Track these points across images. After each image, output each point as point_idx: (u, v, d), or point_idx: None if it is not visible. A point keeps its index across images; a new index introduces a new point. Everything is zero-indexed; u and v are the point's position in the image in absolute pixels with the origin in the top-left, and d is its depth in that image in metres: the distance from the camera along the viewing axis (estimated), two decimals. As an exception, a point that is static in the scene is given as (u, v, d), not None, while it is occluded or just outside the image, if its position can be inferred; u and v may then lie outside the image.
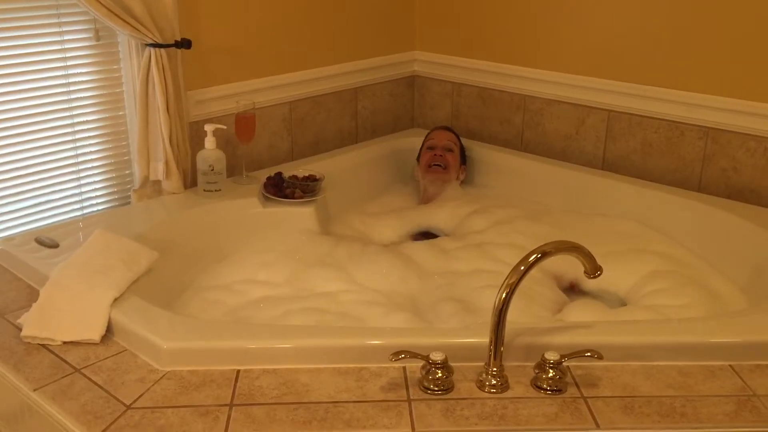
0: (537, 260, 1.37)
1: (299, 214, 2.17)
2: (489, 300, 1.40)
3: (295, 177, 2.26)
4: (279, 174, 2.26)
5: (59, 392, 1.36)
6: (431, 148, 2.50)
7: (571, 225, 2.24)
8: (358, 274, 1.94)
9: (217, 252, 2.04)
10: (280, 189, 2.20)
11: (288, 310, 1.79)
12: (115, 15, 1.93)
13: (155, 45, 2.01)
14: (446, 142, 2.49)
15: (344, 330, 1.62)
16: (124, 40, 2.07)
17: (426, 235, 2.34)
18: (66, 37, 1.99)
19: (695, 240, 2.10)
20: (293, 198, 2.18)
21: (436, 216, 2.39)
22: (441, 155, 2.46)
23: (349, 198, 2.45)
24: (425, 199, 2.49)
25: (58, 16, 1.96)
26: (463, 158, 2.55)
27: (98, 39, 2.03)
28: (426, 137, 2.57)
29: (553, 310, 1.84)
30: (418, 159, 2.57)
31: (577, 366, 1.43)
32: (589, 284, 2.03)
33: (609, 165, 2.44)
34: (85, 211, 2.14)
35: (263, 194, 2.19)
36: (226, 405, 1.33)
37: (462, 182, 2.53)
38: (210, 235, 2.06)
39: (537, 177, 2.50)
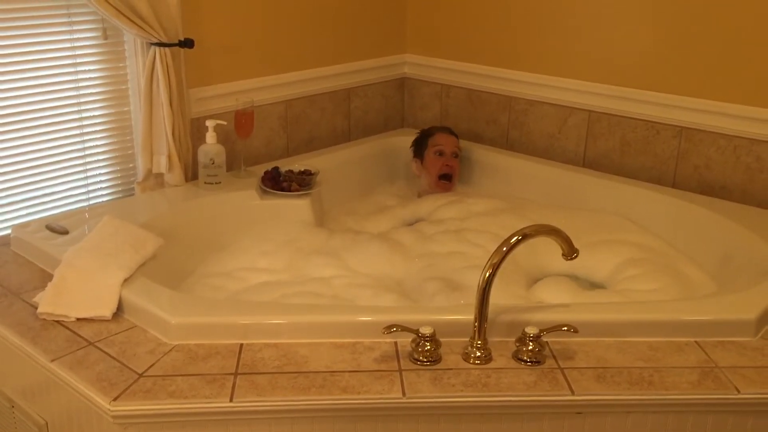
0: (518, 242, 1.49)
1: (295, 206, 2.28)
2: (468, 278, 1.51)
3: (291, 171, 2.37)
4: (276, 168, 2.37)
5: (75, 363, 1.46)
6: (440, 153, 2.56)
7: (555, 218, 2.35)
8: (350, 261, 2.06)
9: (218, 241, 2.15)
10: (277, 182, 2.31)
11: (285, 294, 1.90)
12: (123, 15, 2.03)
13: (160, 44, 2.12)
14: (454, 149, 2.57)
15: (340, 307, 1.74)
16: (131, 39, 2.18)
17: None
18: (76, 36, 2.09)
19: (669, 232, 2.23)
20: (290, 191, 2.29)
21: (423, 210, 2.50)
22: (451, 165, 2.54)
23: (341, 194, 2.56)
24: (424, 194, 2.60)
25: (69, 15, 2.07)
26: None
27: (106, 38, 2.14)
28: (430, 138, 2.60)
29: (525, 286, 1.96)
30: (418, 156, 2.62)
31: (555, 341, 1.55)
32: (570, 270, 2.14)
33: (590, 163, 2.57)
34: (91, 201, 2.24)
35: (261, 187, 2.30)
36: (231, 374, 1.43)
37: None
38: (210, 225, 2.17)
39: (522, 174, 2.62)
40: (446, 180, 2.55)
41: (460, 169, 2.65)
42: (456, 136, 2.63)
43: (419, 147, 2.65)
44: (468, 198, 2.48)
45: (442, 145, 2.58)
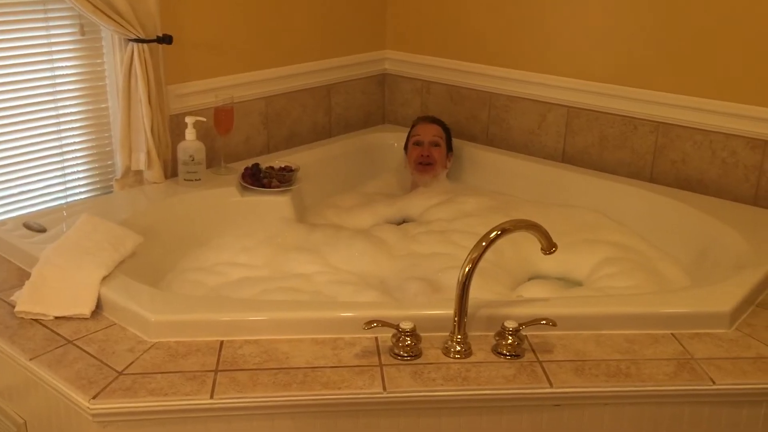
0: (497, 237, 1.50)
1: (276, 203, 2.28)
2: (450, 279, 1.52)
3: (271, 168, 2.36)
4: (256, 164, 2.37)
5: (54, 361, 1.45)
6: (418, 143, 2.57)
7: (536, 216, 2.35)
8: (332, 257, 2.06)
9: (198, 238, 2.14)
10: (257, 179, 2.31)
11: (265, 289, 1.90)
12: (100, 11, 2.02)
13: (138, 40, 2.11)
14: (432, 137, 2.56)
15: (321, 303, 1.74)
16: (108, 35, 2.16)
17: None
18: (52, 32, 2.07)
19: (647, 226, 2.25)
20: (270, 187, 2.29)
21: (410, 206, 2.50)
22: (428, 155, 2.54)
23: (322, 190, 2.56)
24: (413, 186, 2.59)
25: (45, 11, 2.05)
26: (449, 146, 2.62)
27: (83, 34, 2.12)
28: (412, 129, 2.63)
29: (511, 287, 1.97)
30: (405, 149, 2.64)
31: (534, 335, 1.56)
32: (550, 270, 2.17)
33: (569, 158, 2.59)
34: (69, 199, 2.22)
35: (241, 184, 2.30)
36: (211, 371, 1.43)
37: (448, 170, 2.61)
38: (190, 222, 2.16)
39: (504, 170, 2.63)
40: (423, 164, 2.54)
41: (453, 165, 2.64)
42: (440, 124, 2.62)
43: (406, 140, 2.66)
44: (459, 197, 2.47)
45: (419, 135, 2.58)
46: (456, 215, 2.38)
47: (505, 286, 1.98)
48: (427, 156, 2.55)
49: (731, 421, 1.48)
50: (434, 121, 2.64)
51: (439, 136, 2.58)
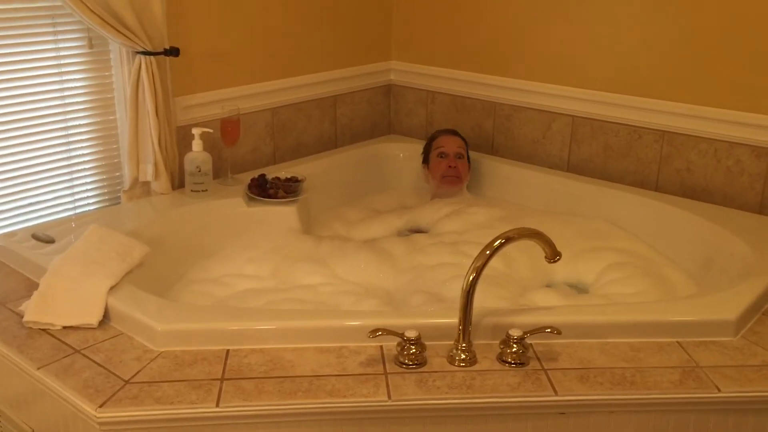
0: (501, 245, 1.51)
1: (282, 214, 2.29)
2: (456, 289, 1.53)
3: (277, 178, 2.38)
4: (263, 175, 2.38)
5: (62, 370, 1.47)
6: (443, 155, 2.55)
7: (544, 224, 2.34)
8: (338, 268, 2.06)
9: (205, 249, 2.15)
10: (263, 189, 2.32)
11: (271, 300, 1.91)
12: (108, 24, 2.04)
13: (145, 53, 2.13)
14: (457, 149, 2.55)
15: (325, 312, 1.75)
16: (116, 48, 2.18)
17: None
18: (61, 45, 2.10)
19: (652, 235, 2.25)
20: (276, 198, 2.30)
21: (420, 217, 2.50)
22: (454, 166, 2.53)
23: (328, 201, 2.57)
24: (435, 198, 2.58)
25: (54, 24, 2.07)
26: (468, 158, 2.62)
27: (91, 47, 2.14)
28: (433, 141, 2.61)
29: (523, 295, 1.97)
30: (425, 161, 2.63)
31: (539, 343, 1.57)
32: (563, 277, 2.17)
33: (573, 167, 2.60)
34: (77, 210, 2.24)
35: (247, 194, 2.31)
36: (217, 379, 1.44)
37: (468, 182, 2.61)
38: (197, 233, 2.17)
39: (508, 179, 2.64)
40: (451, 177, 2.53)
41: (470, 177, 2.63)
42: (461, 137, 2.62)
43: (426, 153, 2.65)
44: (469, 207, 2.45)
45: (443, 147, 2.57)
46: (466, 226, 2.37)
47: (516, 295, 1.97)
48: (455, 168, 2.53)
49: (737, 429, 1.47)
50: (455, 133, 2.63)
51: (463, 148, 2.58)
